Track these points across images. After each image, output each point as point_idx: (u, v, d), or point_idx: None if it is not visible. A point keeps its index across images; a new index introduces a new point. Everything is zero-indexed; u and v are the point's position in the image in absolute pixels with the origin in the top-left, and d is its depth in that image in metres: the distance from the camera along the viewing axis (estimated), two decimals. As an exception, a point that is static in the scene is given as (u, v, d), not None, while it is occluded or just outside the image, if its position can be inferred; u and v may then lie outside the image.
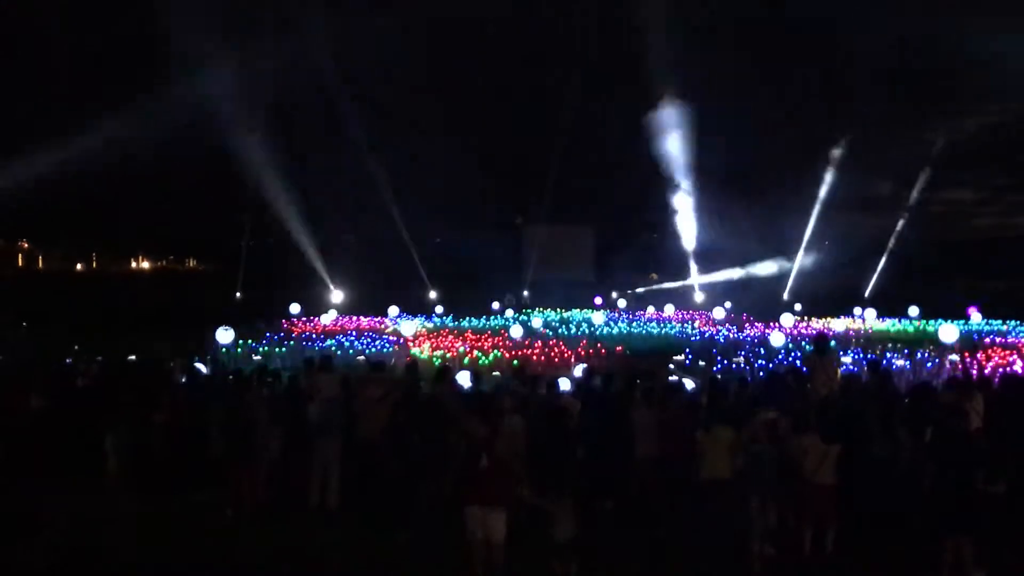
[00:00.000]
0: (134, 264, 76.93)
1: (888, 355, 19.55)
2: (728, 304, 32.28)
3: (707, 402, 10.31)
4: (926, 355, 19.47)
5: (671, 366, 18.48)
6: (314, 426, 10.31)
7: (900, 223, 40.63)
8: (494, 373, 15.76)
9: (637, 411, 9.95)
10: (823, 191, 39.17)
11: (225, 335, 21.57)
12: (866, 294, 35.45)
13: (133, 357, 16.22)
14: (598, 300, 35.74)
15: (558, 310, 33.71)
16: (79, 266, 71.89)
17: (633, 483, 9.77)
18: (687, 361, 19.60)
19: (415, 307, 32.22)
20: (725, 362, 19.42)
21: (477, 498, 7.58)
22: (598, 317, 29.21)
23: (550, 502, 7.72)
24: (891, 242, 39.78)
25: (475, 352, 21.34)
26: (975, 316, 28.35)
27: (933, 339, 21.87)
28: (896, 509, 8.54)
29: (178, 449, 10.33)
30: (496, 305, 33.13)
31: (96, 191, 41.72)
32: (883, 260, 39.18)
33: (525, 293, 39.13)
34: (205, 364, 16.91)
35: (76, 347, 18.10)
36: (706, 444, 8.77)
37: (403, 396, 10.70)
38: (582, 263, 45.98)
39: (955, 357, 18.47)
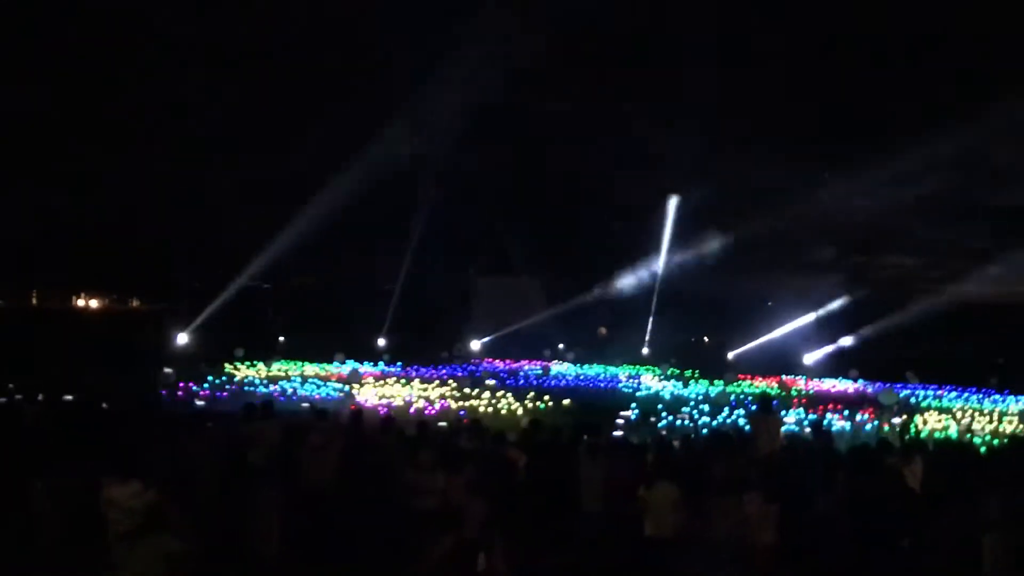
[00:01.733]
0: (81, 302, 74.91)
1: (829, 416, 19.88)
2: (674, 360, 32.66)
3: (652, 459, 10.35)
4: (866, 417, 19.87)
5: (619, 421, 18.55)
6: (255, 472, 10.10)
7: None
8: (440, 424, 15.65)
9: (583, 466, 9.95)
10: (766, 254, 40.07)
11: (166, 376, 21.19)
12: (804, 359, 35.99)
13: (70, 397, 15.78)
14: (547, 352, 35.94)
15: (507, 361, 33.79)
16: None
17: (578, 538, 9.72)
18: (633, 416, 19.70)
19: (363, 354, 31.97)
20: (671, 418, 19.57)
21: None
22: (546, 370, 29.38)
23: None
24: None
25: (422, 401, 21.25)
26: (912, 379, 28.99)
27: (872, 401, 22.33)
28: (837, 568, 8.61)
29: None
30: (445, 354, 33.08)
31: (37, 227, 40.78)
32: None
33: (473, 344, 39.02)
34: (144, 406, 16.54)
35: (11, 385, 17.55)
36: (649, 501, 8.78)
37: (346, 445, 10.56)
38: (532, 315, 46.05)
39: (896, 420, 18.88)
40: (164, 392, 20.52)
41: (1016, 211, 39.07)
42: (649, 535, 8.72)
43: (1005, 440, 16.93)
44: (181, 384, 21.71)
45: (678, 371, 31.06)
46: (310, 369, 28.27)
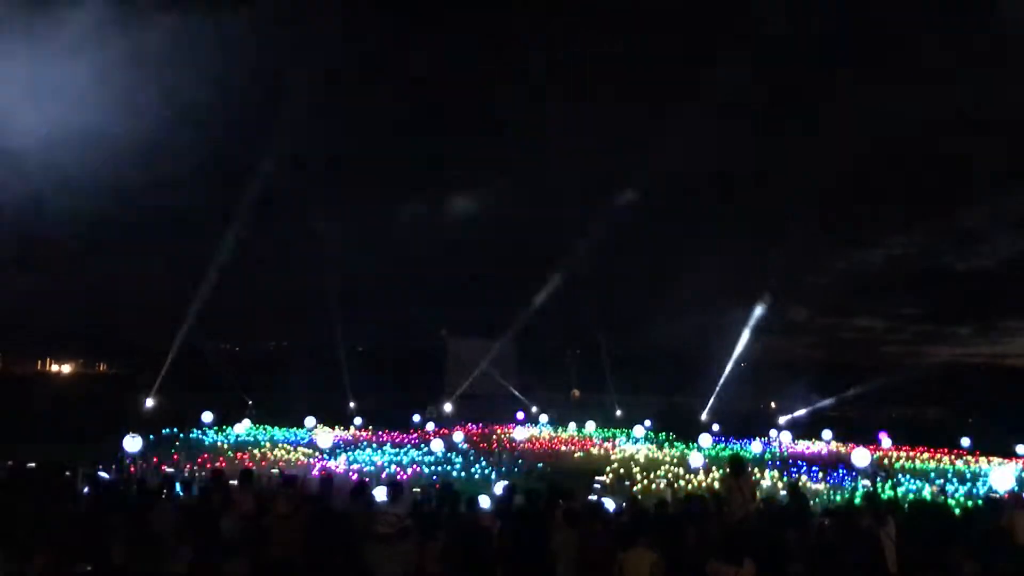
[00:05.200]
0: (53, 367, 73.78)
1: (803, 477, 19.84)
2: (648, 422, 32.51)
3: (628, 523, 10.21)
4: (841, 478, 19.85)
5: (596, 485, 18.38)
6: (226, 542, 9.83)
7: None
8: (415, 489, 15.41)
9: (558, 531, 9.79)
10: (743, 316, 40.46)
11: (132, 443, 20.72)
12: (780, 419, 36.04)
13: (33, 464, 15.39)
14: (520, 415, 35.69)
15: (480, 424, 33.51)
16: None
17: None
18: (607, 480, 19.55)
19: (334, 418, 31.59)
20: (645, 481, 19.42)
21: None
22: (520, 433, 29.11)
23: None
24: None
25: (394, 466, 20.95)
26: (885, 441, 29.11)
27: (847, 462, 22.31)
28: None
29: (77, 563, 9.72)
30: (417, 418, 32.75)
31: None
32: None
33: (447, 406, 38.77)
34: (109, 472, 16.18)
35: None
36: (626, 565, 8.64)
37: (314, 512, 10.31)
38: (505, 377, 45.90)
39: (867, 483, 18.85)
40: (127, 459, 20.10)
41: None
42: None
43: (979, 502, 16.94)
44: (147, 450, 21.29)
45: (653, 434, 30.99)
46: (279, 434, 27.85)
